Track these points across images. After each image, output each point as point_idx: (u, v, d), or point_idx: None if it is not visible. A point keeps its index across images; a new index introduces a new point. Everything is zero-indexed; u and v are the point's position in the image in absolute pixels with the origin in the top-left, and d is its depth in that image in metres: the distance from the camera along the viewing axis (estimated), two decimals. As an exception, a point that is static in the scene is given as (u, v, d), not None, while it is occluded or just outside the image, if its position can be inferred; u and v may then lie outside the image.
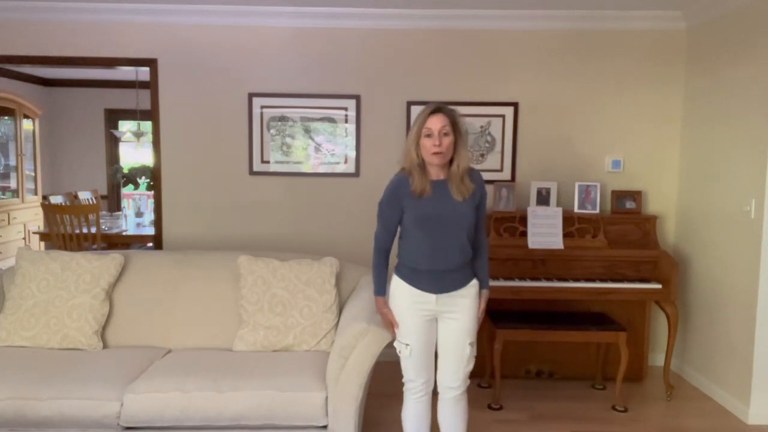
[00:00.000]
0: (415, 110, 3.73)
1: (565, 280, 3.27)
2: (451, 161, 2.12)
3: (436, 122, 2.06)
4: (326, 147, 3.80)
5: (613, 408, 3.20)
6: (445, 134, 2.06)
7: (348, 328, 2.36)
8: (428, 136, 2.06)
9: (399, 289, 2.21)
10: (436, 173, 2.13)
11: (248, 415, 2.26)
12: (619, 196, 3.66)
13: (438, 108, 2.09)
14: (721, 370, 3.34)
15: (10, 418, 2.23)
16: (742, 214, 3.13)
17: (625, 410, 3.19)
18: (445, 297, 2.17)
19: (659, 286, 3.30)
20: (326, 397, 2.30)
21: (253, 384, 2.31)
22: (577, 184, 3.65)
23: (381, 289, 2.23)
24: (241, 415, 2.26)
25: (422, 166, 2.12)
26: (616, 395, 3.21)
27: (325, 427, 2.31)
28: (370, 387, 2.56)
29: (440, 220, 2.10)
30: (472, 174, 2.17)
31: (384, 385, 2.97)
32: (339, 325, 2.63)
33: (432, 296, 2.16)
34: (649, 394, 3.43)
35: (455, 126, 2.10)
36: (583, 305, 3.47)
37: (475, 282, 2.23)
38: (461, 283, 2.19)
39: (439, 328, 2.22)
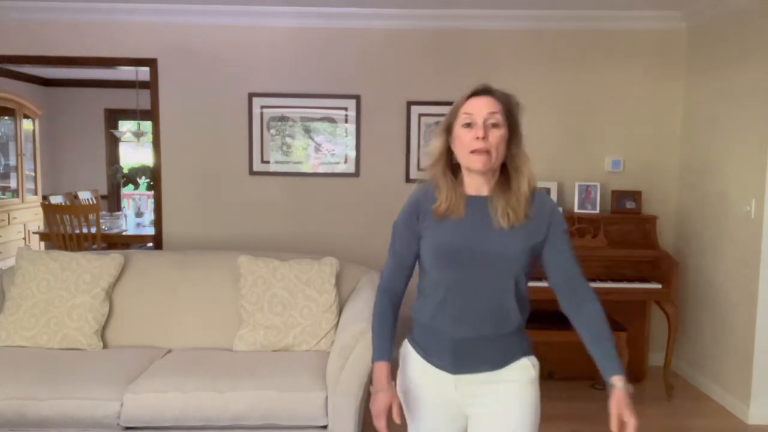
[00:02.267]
0: (416, 110, 3.73)
1: (565, 280, 3.27)
2: (502, 170, 1.41)
3: (482, 106, 1.35)
4: (326, 147, 3.80)
5: (613, 408, 3.20)
6: (494, 125, 1.35)
7: (348, 328, 2.36)
8: (467, 125, 1.36)
9: (409, 362, 1.49)
10: (476, 186, 1.40)
11: (248, 415, 2.26)
12: (619, 196, 3.66)
13: (485, 88, 1.39)
14: (721, 370, 3.34)
15: (10, 418, 2.23)
16: (742, 214, 3.13)
17: (625, 410, 3.18)
18: (468, 380, 1.41)
19: (659, 285, 3.30)
20: (326, 397, 2.30)
21: (253, 384, 2.30)
22: (577, 184, 3.65)
23: (380, 350, 1.46)
24: (241, 415, 2.26)
25: (454, 172, 1.44)
26: (616, 395, 3.20)
27: (325, 426, 2.31)
28: (370, 386, 2.55)
29: (470, 258, 1.36)
30: (537, 196, 1.40)
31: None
32: (339, 325, 2.63)
33: (448, 377, 1.42)
34: (649, 394, 3.43)
35: (511, 117, 1.39)
36: (583, 305, 3.47)
37: (526, 363, 1.43)
38: (498, 361, 1.41)
39: (469, 428, 1.48)
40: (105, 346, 2.75)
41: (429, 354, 1.44)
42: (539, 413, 1.44)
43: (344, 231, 3.80)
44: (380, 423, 1.41)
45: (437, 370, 1.43)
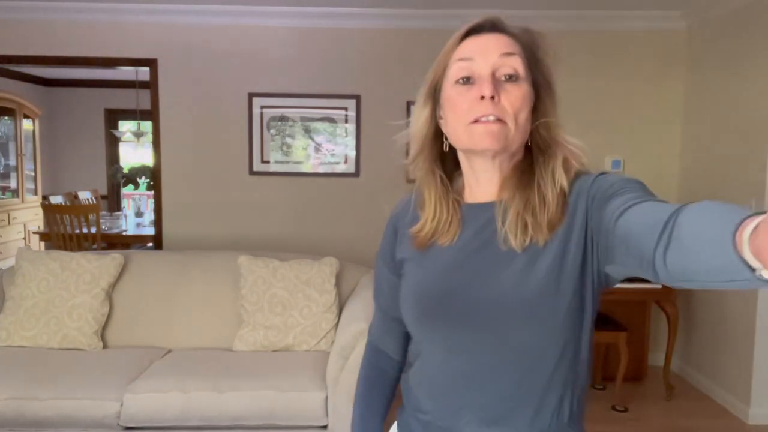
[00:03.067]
0: (415, 110, 3.73)
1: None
2: (526, 153, 0.87)
3: (489, 47, 0.83)
4: (326, 147, 3.80)
5: (613, 408, 3.20)
6: (510, 77, 0.82)
7: (348, 328, 2.36)
8: (465, 81, 0.83)
9: None
10: (483, 184, 0.88)
11: (248, 415, 2.26)
12: (619, 196, 3.66)
13: (493, 21, 0.87)
14: (721, 370, 3.34)
15: (9, 418, 2.23)
16: (742, 214, 3.13)
17: (626, 410, 3.19)
18: None
19: (659, 286, 3.30)
20: (326, 397, 2.29)
21: (253, 384, 2.30)
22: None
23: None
24: (241, 415, 2.26)
25: (446, 168, 0.93)
26: (616, 395, 3.20)
27: (325, 426, 2.31)
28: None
29: (467, 311, 0.83)
30: (575, 184, 0.83)
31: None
32: (339, 325, 2.63)
33: None
34: (650, 394, 3.43)
35: (537, 66, 0.88)
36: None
37: None
38: None
39: None
40: (105, 346, 2.75)
41: None
42: None
43: (344, 231, 3.80)
44: None
45: None
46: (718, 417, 3.14)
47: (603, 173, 0.82)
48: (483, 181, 0.88)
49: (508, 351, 0.81)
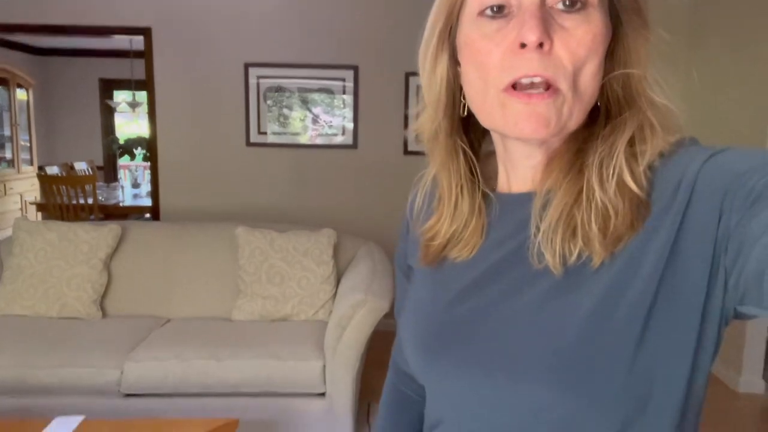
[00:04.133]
0: (414, 81, 3.70)
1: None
2: (590, 116, 0.53)
3: None
4: (324, 118, 3.77)
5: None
6: (570, 3, 0.48)
7: (345, 298, 2.37)
8: (495, 11, 0.50)
9: None
10: (520, 171, 0.58)
11: (248, 383, 2.29)
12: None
13: None
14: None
15: (12, 385, 2.26)
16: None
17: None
18: None
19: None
20: (324, 366, 2.33)
21: (252, 352, 2.33)
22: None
23: None
24: (240, 383, 2.29)
25: (464, 144, 0.61)
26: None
27: (323, 394, 2.35)
28: (368, 355, 2.59)
29: (484, 358, 0.55)
30: (670, 166, 0.50)
31: (382, 353, 3.02)
32: (337, 296, 2.65)
33: None
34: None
35: None
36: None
37: None
38: None
39: None
40: (104, 316, 2.77)
41: None
42: None
43: (342, 203, 3.80)
44: None
45: None
46: (708, 385, 3.19)
47: (719, 150, 0.49)
48: (521, 168, 0.58)
49: (534, 424, 0.53)
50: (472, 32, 0.52)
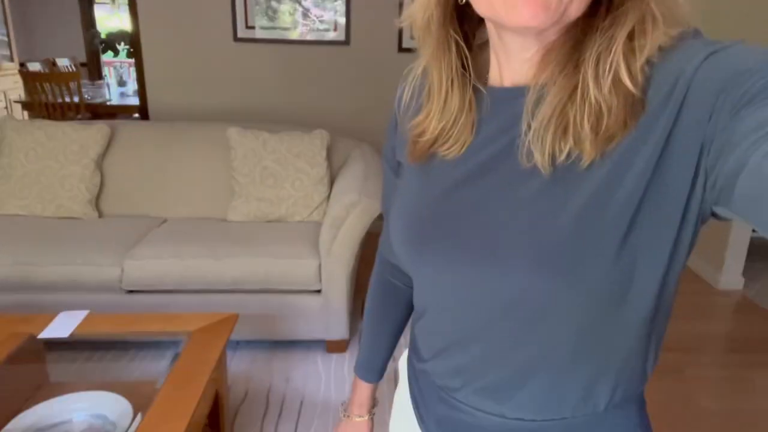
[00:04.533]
0: (409, -29, 3.48)
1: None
2: (594, 10, 0.50)
3: None
4: (314, 12, 3.60)
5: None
6: None
7: (340, 199, 2.40)
8: None
9: (397, 409, 0.83)
10: (515, 65, 0.55)
11: (246, 280, 2.37)
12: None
13: None
14: (699, 239, 3.46)
15: (15, 282, 2.32)
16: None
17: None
18: None
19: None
20: (319, 264, 2.39)
21: (249, 251, 2.38)
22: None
23: (363, 364, 0.89)
24: (238, 280, 2.36)
25: (458, 36, 0.58)
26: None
27: (319, 291, 2.43)
28: (361, 254, 2.67)
29: (472, 249, 0.57)
30: (671, 60, 0.47)
31: (375, 253, 3.10)
32: (331, 197, 2.67)
33: None
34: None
35: None
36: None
37: None
38: None
39: None
40: (100, 216, 2.80)
41: (421, 413, 0.74)
42: None
43: (334, 102, 3.72)
44: None
45: None
46: (690, 282, 3.33)
47: (722, 47, 0.46)
48: (516, 61, 0.55)
49: (517, 311, 0.56)
50: None
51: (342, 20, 3.60)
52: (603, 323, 0.55)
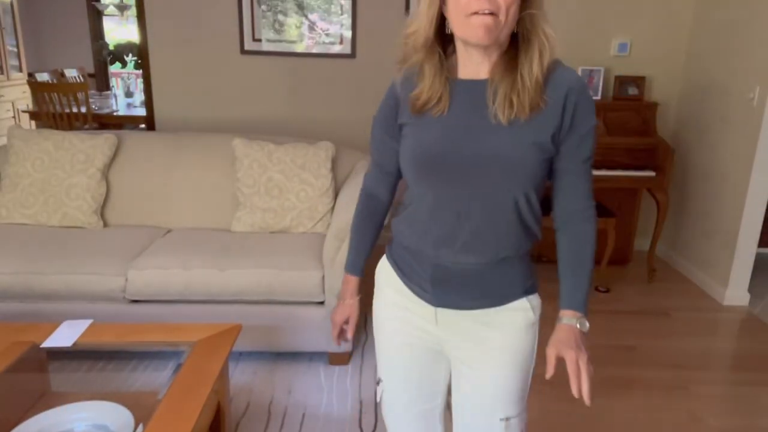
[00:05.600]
0: (415, -15, 3.51)
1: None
2: (511, 43, 1.02)
3: None
4: (320, 26, 3.63)
5: (596, 289, 3.36)
6: None
7: (344, 211, 2.39)
8: None
9: (383, 277, 1.26)
10: (473, 65, 1.04)
11: (250, 291, 2.36)
12: (622, 81, 3.57)
13: None
14: (704, 255, 3.46)
15: (19, 291, 2.32)
16: (744, 101, 3.08)
17: (608, 291, 3.35)
18: (453, 318, 1.14)
19: (653, 173, 3.33)
20: (323, 276, 2.39)
21: (253, 262, 2.38)
22: (580, 69, 3.54)
23: (352, 263, 1.34)
24: (243, 291, 2.36)
25: (446, 49, 1.07)
26: (600, 277, 3.35)
27: (322, 302, 2.43)
28: (366, 266, 2.65)
29: (457, 164, 1.03)
30: (554, 76, 1.01)
31: (377, 263, 3.08)
32: (335, 209, 2.67)
33: (429, 309, 1.16)
34: (632, 277, 3.58)
35: None
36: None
37: (524, 304, 1.15)
38: (489, 299, 1.13)
39: (452, 376, 1.23)
40: (105, 225, 2.81)
41: (409, 278, 1.17)
42: (534, 360, 1.17)
43: (339, 115, 3.74)
44: (334, 332, 1.37)
45: (414, 297, 1.16)
46: (695, 298, 3.31)
47: (581, 88, 1.03)
48: (473, 63, 1.04)
49: (486, 197, 1.04)
50: None
51: (348, 33, 3.62)
52: (521, 202, 1.05)
